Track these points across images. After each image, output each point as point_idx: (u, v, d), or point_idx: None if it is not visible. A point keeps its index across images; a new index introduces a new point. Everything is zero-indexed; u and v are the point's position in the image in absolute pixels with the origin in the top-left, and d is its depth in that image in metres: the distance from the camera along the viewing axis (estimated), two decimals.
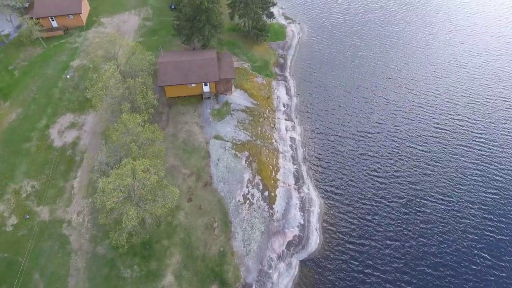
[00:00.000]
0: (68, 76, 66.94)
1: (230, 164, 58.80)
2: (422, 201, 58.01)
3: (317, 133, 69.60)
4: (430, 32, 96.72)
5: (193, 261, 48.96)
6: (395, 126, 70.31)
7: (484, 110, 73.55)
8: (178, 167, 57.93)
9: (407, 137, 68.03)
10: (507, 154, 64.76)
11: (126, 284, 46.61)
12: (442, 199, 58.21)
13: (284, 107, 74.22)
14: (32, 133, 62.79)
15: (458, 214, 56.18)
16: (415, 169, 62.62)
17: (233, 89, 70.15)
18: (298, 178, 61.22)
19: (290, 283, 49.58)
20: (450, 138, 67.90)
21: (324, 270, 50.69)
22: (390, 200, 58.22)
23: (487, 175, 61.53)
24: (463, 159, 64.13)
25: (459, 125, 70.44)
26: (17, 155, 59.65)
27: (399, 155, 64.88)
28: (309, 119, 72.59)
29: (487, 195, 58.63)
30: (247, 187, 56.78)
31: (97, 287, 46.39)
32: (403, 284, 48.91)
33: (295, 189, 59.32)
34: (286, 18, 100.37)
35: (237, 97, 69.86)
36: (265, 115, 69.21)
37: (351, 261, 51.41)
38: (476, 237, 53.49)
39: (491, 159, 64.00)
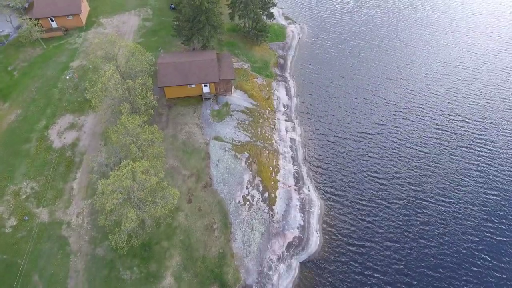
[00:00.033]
0: (67, 77, 66.80)
1: (230, 165, 58.65)
2: (423, 202, 57.88)
3: (317, 134, 69.46)
4: (430, 32, 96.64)
5: (192, 263, 48.80)
6: (395, 127, 70.18)
7: (485, 111, 73.42)
8: (178, 168, 57.80)
9: (407, 138, 67.89)
10: (507, 155, 64.62)
11: (126, 286, 46.44)
12: (443, 201, 58.06)
13: (284, 108, 74.10)
14: (31, 134, 62.66)
15: (459, 216, 56.05)
16: (415, 170, 62.48)
17: (233, 90, 70.00)
18: (298, 179, 61.08)
19: (290, 285, 49.40)
20: (450, 139, 67.78)
21: (324, 272, 50.54)
22: (390, 202, 58.07)
23: (488, 176, 61.39)
24: (464, 160, 63.99)
25: (460, 126, 70.31)
26: (17, 156, 59.50)
27: (399, 156, 64.74)
28: (309, 120, 72.46)
29: (487, 196, 58.49)
30: (247, 188, 56.64)
31: None
32: (403, 286, 48.77)
33: (295, 190, 59.18)
34: (286, 18, 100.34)
35: (237, 98, 69.72)
36: (265, 116, 69.07)
37: (351, 263, 51.27)
38: (476, 239, 53.35)
39: (491, 160, 63.86)
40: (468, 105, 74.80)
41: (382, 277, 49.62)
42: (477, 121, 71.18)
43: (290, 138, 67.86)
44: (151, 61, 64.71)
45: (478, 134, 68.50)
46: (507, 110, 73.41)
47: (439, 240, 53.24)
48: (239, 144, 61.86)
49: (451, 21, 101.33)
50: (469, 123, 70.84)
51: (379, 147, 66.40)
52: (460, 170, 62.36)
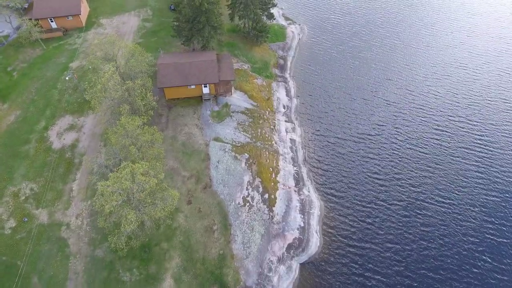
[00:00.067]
0: (67, 78, 66.69)
1: (230, 166, 58.51)
2: (423, 203, 57.72)
3: (317, 135, 69.32)
4: (430, 33, 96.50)
5: (192, 264, 48.67)
6: (396, 128, 70.04)
7: (485, 111, 73.27)
8: (178, 169, 57.66)
9: (407, 139, 67.76)
10: (508, 156, 64.46)
11: None
12: (443, 202, 57.91)
13: (284, 108, 73.96)
14: (30, 135, 62.53)
15: (459, 217, 55.89)
16: (415, 171, 62.33)
17: (233, 91, 69.87)
18: (298, 180, 60.93)
19: (290, 286, 49.26)
20: (450, 140, 67.63)
21: (324, 273, 50.39)
22: (390, 203, 57.92)
23: (488, 177, 61.23)
24: (464, 161, 63.83)
25: (460, 127, 70.15)
26: (16, 157, 59.38)
27: (400, 157, 64.60)
28: (309, 120, 72.32)
29: (488, 198, 58.34)
30: (247, 189, 56.49)
31: None
32: None
33: (295, 191, 59.03)
34: (286, 19, 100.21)
35: (237, 99, 69.58)
36: (265, 116, 68.93)
37: (352, 264, 51.12)
38: (477, 240, 53.19)
39: (492, 161, 63.70)
40: (469, 106, 74.66)
41: (382, 278, 49.46)
42: (477, 122, 71.04)
43: (290, 139, 67.71)
44: (151, 62, 64.64)
45: (479, 135, 68.35)
46: (508, 111, 73.25)
47: (439, 241, 53.10)
48: (239, 145, 61.73)
49: (451, 21, 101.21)
50: (469, 124, 70.68)
51: (379, 148, 66.26)
52: (460, 171, 62.21)
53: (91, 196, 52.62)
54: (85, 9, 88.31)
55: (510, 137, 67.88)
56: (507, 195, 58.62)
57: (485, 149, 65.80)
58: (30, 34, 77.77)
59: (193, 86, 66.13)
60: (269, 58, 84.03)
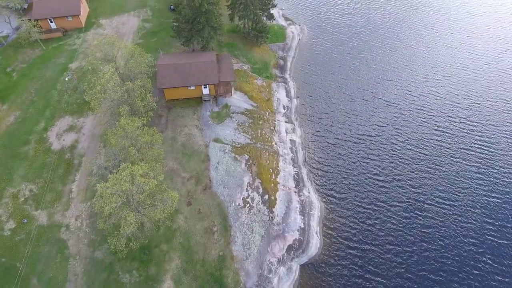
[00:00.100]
0: (66, 79, 66.52)
1: (230, 168, 58.36)
2: (423, 205, 57.57)
3: (317, 135, 69.18)
4: (430, 33, 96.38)
5: (192, 266, 48.52)
6: (396, 128, 69.89)
7: (485, 112, 73.12)
8: (177, 170, 57.51)
9: (407, 140, 67.62)
10: (508, 157, 64.33)
11: None
12: (444, 203, 57.76)
13: (284, 109, 73.82)
14: (30, 136, 62.37)
15: (460, 218, 55.75)
16: (416, 172, 62.19)
17: (232, 91, 69.72)
18: (298, 181, 60.79)
19: None
20: (451, 141, 67.49)
21: (324, 275, 50.24)
22: (391, 204, 57.77)
23: (489, 178, 61.08)
24: (464, 162, 63.70)
25: (460, 127, 70.01)
26: (15, 158, 59.22)
27: (400, 158, 64.46)
28: (309, 121, 72.19)
29: (488, 199, 58.20)
30: (247, 190, 56.34)
31: None
32: None
33: (295, 192, 58.88)
34: (286, 19, 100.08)
35: (236, 100, 69.44)
36: (265, 117, 68.78)
37: (352, 266, 50.96)
38: (477, 242, 53.04)
39: (492, 162, 63.56)
40: (469, 106, 74.53)
41: (382, 280, 49.33)
42: (478, 122, 70.90)
43: (290, 140, 67.57)
44: (151, 63, 64.48)
45: (479, 136, 68.21)
46: (508, 112, 73.11)
47: (440, 243, 52.95)
48: (239, 146, 61.58)
49: (451, 22, 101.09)
50: (469, 124, 70.55)
51: (380, 149, 66.12)
52: (461, 172, 62.07)
53: (90, 198, 52.46)
54: (84, 10, 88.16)
55: (511, 138, 67.72)
56: (507, 196, 58.49)
57: (485, 150, 65.66)
58: (29, 35, 77.64)
59: (193, 87, 65.98)
60: (269, 59, 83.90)
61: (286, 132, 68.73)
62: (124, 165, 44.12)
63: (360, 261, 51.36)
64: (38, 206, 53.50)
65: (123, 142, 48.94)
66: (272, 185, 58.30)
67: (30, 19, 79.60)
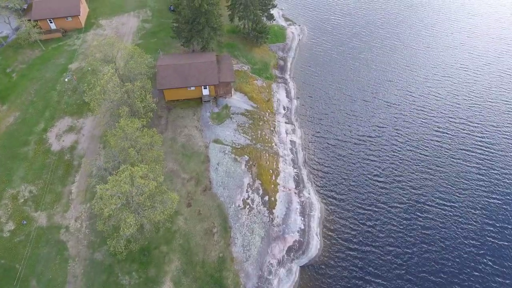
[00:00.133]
0: (66, 79, 66.40)
1: (230, 169, 58.23)
2: (424, 206, 57.44)
3: (317, 136, 69.05)
4: (430, 34, 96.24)
5: (192, 267, 48.40)
6: (396, 129, 69.76)
7: (486, 113, 72.98)
8: (177, 171, 57.38)
9: (408, 141, 67.49)
10: (509, 158, 64.19)
11: None
12: (444, 204, 57.62)
13: (284, 110, 73.68)
14: (30, 137, 62.25)
15: (460, 220, 55.62)
16: (416, 173, 62.06)
17: (232, 92, 69.58)
18: (298, 182, 60.66)
19: None
20: (451, 141, 67.35)
21: (324, 276, 50.13)
22: (391, 205, 57.65)
23: (489, 179, 60.94)
24: (465, 163, 63.56)
25: (461, 128, 69.86)
26: (15, 159, 59.09)
27: (400, 159, 64.33)
28: (310, 122, 72.06)
29: (489, 200, 58.04)
30: (247, 191, 56.21)
31: None
32: None
33: (295, 193, 58.76)
34: (286, 19, 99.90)
35: (236, 100, 69.30)
36: (265, 118, 68.65)
37: (352, 267, 50.84)
38: (478, 243, 52.90)
39: (493, 163, 63.42)
40: (469, 107, 74.39)
41: (383, 282, 49.21)
42: (478, 123, 70.76)
43: (290, 141, 67.44)
44: (150, 64, 64.32)
45: (480, 137, 68.07)
46: (509, 112, 72.97)
47: (440, 244, 52.82)
48: (239, 147, 61.45)
49: (451, 22, 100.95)
50: (470, 125, 70.41)
51: (380, 150, 65.99)
52: (461, 173, 61.94)
53: (90, 199, 52.32)
54: (84, 10, 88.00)
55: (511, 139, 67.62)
56: (508, 197, 58.36)
57: (486, 151, 65.52)
58: (29, 35, 77.49)
59: (192, 88, 65.84)
60: (269, 59, 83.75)
61: (286, 133, 68.60)
62: (124, 167, 44.00)
63: (360, 263, 51.25)
64: (38, 208, 53.37)
65: (123, 144, 48.79)
66: (272, 186, 58.17)
67: (29, 20, 79.44)
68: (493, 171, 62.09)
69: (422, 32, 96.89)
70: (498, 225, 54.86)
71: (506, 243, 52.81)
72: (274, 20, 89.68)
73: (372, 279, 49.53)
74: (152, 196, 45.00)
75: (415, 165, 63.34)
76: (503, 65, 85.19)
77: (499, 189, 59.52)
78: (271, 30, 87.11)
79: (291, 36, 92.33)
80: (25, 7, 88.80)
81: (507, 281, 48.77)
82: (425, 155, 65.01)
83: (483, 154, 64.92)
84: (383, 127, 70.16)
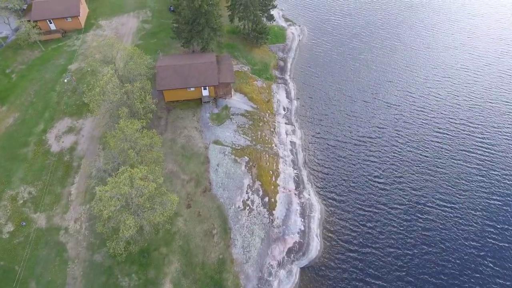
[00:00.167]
0: (65, 80, 66.29)
1: (230, 170, 58.09)
2: (424, 207, 57.28)
3: (317, 137, 68.90)
4: (431, 34, 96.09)
5: (192, 269, 48.25)
6: (396, 130, 69.60)
7: (486, 114, 72.82)
8: (177, 172, 57.24)
9: (408, 142, 67.33)
10: (510, 159, 64.01)
11: None
12: (444, 205, 57.47)
13: (284, 110, 73.52)
14: (29, 138, 62.13)
15: (460, 221, 55.46)
16: (416, 174, 61.90)
17: (232, 93, 69.44)
18: (298, 183, 60.51)
19: None
20: (452, 142, 67.19)
21: (324, 278, 49.96)
22: (391, 207, 57.48)
23: (490, 180, 60.77)
24: (465, 164, 63.40)
25: (461, 129, 69.70)
26: (14, 160, 58.96)
27: (400, 160, 64.17)
28: (310, 123, 71.90)
29: (489, 201, 57.89)
30: (247, 193, 56.07)
31: None
32: None
33: (295, 194, 58.61)
34: (286, 20, 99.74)
35: (236, 101, 69.15)
36: (265, 119, 68.50)
37: (352, 269, 50.67)
38: (478, 244, 52.75)
39: (493, 164, 63.26)
40: (470, 108, 74.23)
41: (383, 284, 49.04)
42: (478, 124, 70.60)
43: (290, 142, 67.28)
44: (150, 64, 64.15)
45: (480, 138, 67.90)
46: (509, 113, 72.82)
47: (440, 246, 52.66)
48: (238, 148, 61.30)
49: (452, 23, 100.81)
50: (470, 126, 70.25)
51: (380, 151, 65.84)
52: (461, 175, 61.78)
53: (89, 200, 52.18)
54: (84, 11, 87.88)
55: None
56: (509, 198, 58.20)
57: (486, 151, 65.36)
58: (28, 36, 77.39)
59: (192, 89, 65.70)
60: (269, 60, 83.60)
61: (286, 134, 68.45)
62: (123, 168, 43.85)
63: (360, 264, 51.09)
64: (37, 209, 53.24)
65: (122, 145, 48.63)
66: (272, 187, 58.03)
67: (29, 20, 79.32)
68: (493, 172, 61.94)
69: (422, 32, 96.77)
70: (498, 226, 54.72)
71: (506, 245, 52.65)
72: (274, 20, 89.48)
73: (373, 281, 49.38)
74: (152, 197, 44.87)
75: (416, 166, 63.19)
76: (504, 65, 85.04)
77: (499, 190, 59.36)
78: (271, 30, 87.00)
79: (291, 36, 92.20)
80: (25, 8, 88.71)
81: (508, 283, 48.61)
82: (425, 156, 64.86)
83: (483, 155, 64.76)
84: (383, 128, 70.02)
